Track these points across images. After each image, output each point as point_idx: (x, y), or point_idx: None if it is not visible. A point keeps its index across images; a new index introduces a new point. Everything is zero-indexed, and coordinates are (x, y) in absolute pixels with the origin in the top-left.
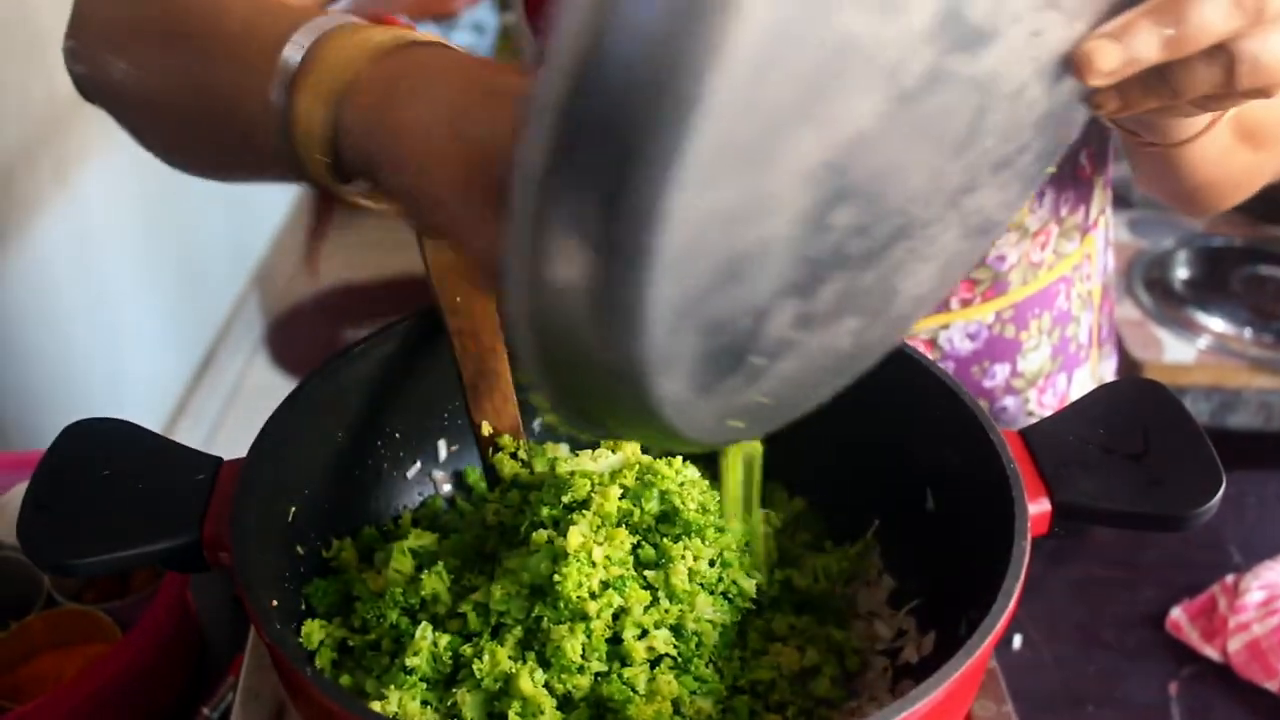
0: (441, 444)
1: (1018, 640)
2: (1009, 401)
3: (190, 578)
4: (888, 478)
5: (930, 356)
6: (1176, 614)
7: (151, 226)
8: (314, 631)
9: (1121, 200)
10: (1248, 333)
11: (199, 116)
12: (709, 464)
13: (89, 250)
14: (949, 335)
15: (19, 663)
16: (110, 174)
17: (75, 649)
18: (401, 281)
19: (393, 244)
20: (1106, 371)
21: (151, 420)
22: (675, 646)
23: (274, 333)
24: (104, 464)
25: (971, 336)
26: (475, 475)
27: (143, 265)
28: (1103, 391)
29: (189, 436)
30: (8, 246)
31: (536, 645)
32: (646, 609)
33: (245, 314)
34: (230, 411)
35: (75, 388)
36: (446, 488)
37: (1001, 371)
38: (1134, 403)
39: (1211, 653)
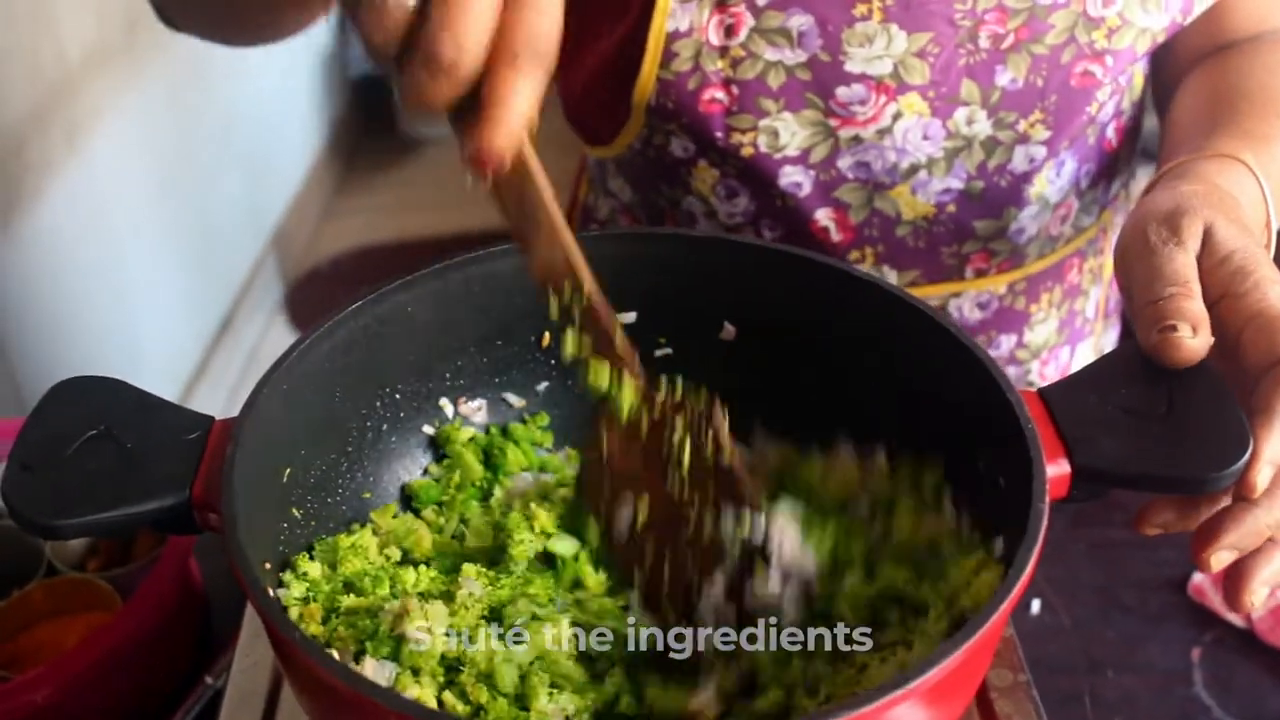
0: (445, 403)
1: (1036, 605)
2: (1010, 371)
3: (193, 544)
4: (901, 440)
5: None
6: (1199, 578)
7: (166, 189)
8: (295, 586)
9: (1147, 156)
10: None
11: None
12: None
13: (102, 215)
14: (959, 304)
15: (19, 632)
16: (122, 137)
17: (76, 618)
18: (419, 244)
19: (412, 205)
20: (1108, 344)
21: (169, 385)
22: None
23: (293, 296)
24: (92, 423)
25: (982, 306)
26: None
27: (157, 229)
28: (1127, 349)
29: (207, 401)
30: (20, 211)
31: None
32: None
33: (263, 277)
34: (249, 376)
35: (91, 353)
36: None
37: (1007, 342)
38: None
39: (1235, 618)
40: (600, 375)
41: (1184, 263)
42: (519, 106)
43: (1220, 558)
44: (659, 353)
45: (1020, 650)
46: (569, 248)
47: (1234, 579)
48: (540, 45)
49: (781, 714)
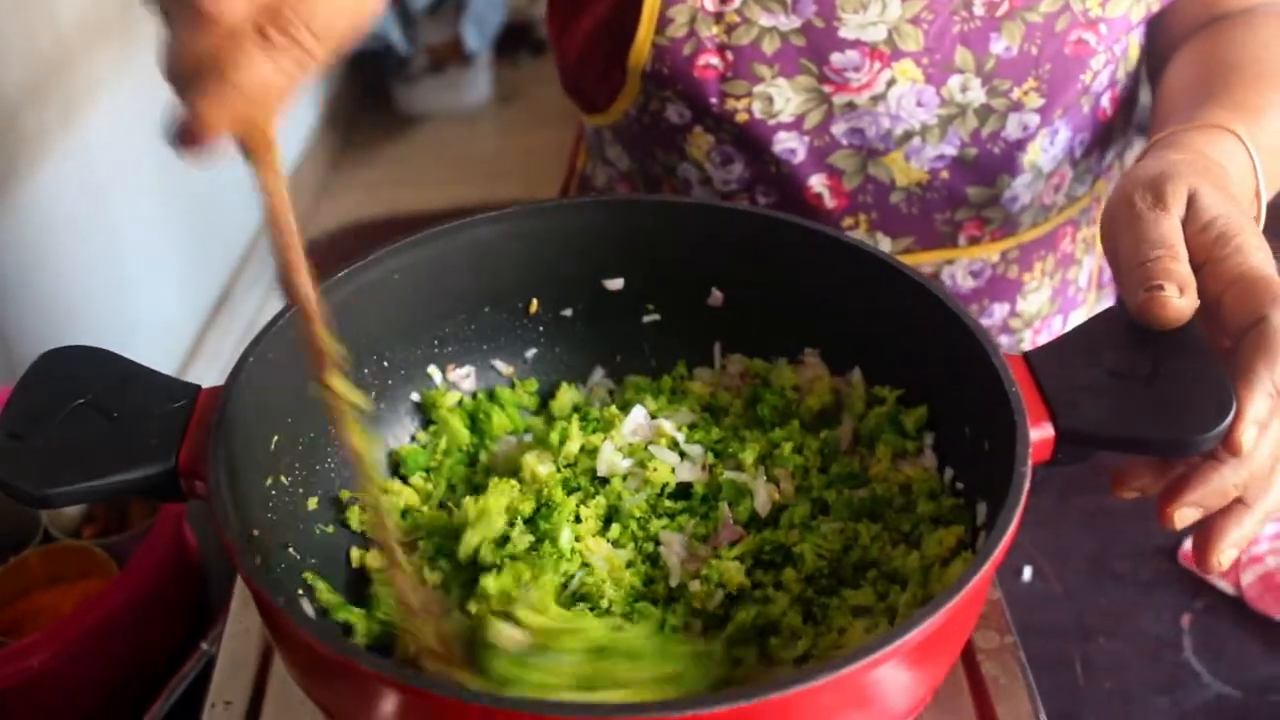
0: (433, 370)
1: (1028, 572)
2: (1003, 340)
3: (187, 512)
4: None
5: None
6: (1190, 546)
7: (162, 165)
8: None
9: (1143, 130)
10: None
11: None
12: None
13: (99, 190)
14: (952, 271)
15: (16, 599)
16: (119, 113)
17: (72, 585)
18: (415, 219)
19: (407, 181)
20: None
21: (166, 360)
22: None
23: None
24: (78, 393)
25: (975, 274)
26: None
27: (154, 204)
28: (1112, 313)
29: (204, 376)
30: (16, 187)
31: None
32: None
33: (259, 252)
34: None
35: (87, 327)
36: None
37: (1000, 311)
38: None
39: (1224, 585)
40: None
41: (1170, 227)
42: (250, 79)
43: (1184, 514)
44: (646, 319)
45: (1008, 613)
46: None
47: (1202, 540)
48: (308, 30)
49: (752, 637)
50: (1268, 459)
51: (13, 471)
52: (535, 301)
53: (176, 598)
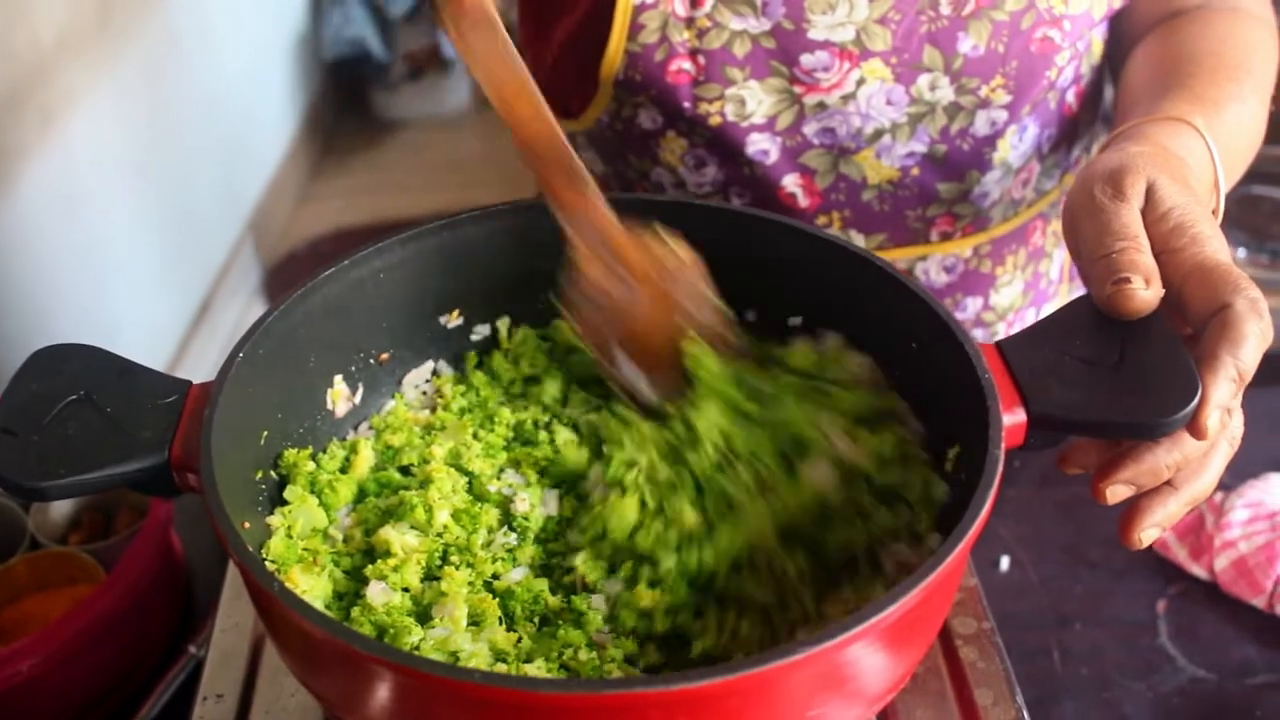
0: (426, 365)
1: (1005, 562)
2: (977, 333)
3: (174, 517)
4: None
5: None
6: (1164, 533)
7: (143, 173)
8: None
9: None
10: (1241, 253)
11: None
12: None
13: (78, 199)
14: (925, 267)
15: (4, 605)
16: (98, 121)
17: (60, 590)
18: (396, 225)
19: (388, 187)
20: None
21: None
22: None
23: (271, 278)
24: (71, 388)
25: (948, 269)
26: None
27: (135, 213)
28: (1081, 303)
29: None
30: None
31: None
32: None
33: (241, 260)
34: None
35: (69, 337)
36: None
37: (973, 305)
38: None
39: (1199, 571)
40: None
41: (1131, 218)
42: None
43: (1115, 490)
44: None
45: (984, 600)
46: (549, 117)
47: (1127, 517)
48: None
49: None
50: (1204, 445)
51: (7, 465)
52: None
53: (163, 602)
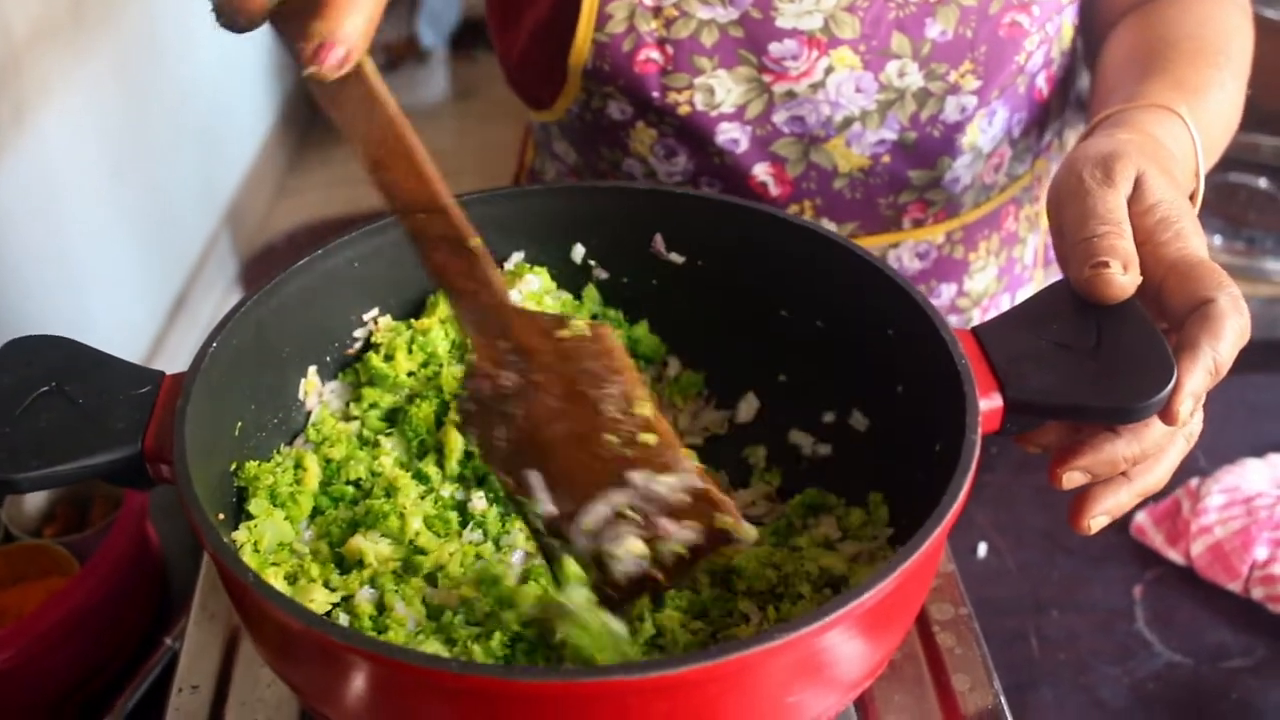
0: None
1: (983, 548)
2: (953, 319)
3: (149, 508)
4: (839, 378)
5: None
6: (1141, 518)
7: (117, 167)
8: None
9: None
10: (1218, 240)
11: None
12: None
13: (53, 193)
14: (898, 254)
15: None
16: (71, 115)
17: (34, 583)
18: (373, 218)
19: (365, 180)
20: None
21: None
22: None
23: (248, 272)
24: (43, 380)
25: (921, 256)
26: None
27: (110, 207)
28: (1058, 287)
29: None
30: None
31: None
32: None
33: (217, 254)
34: None
35: (42, 331)
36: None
37: (948, 291)
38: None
39: (1175, 556)
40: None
41: (1116, 204)
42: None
43: (1071, 477)
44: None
45: (962, 585)
46: (430, 178)
47: (1079, 503)
48: None
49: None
50: (1162, 440)
51: None
52: None
53: (139, 594)
